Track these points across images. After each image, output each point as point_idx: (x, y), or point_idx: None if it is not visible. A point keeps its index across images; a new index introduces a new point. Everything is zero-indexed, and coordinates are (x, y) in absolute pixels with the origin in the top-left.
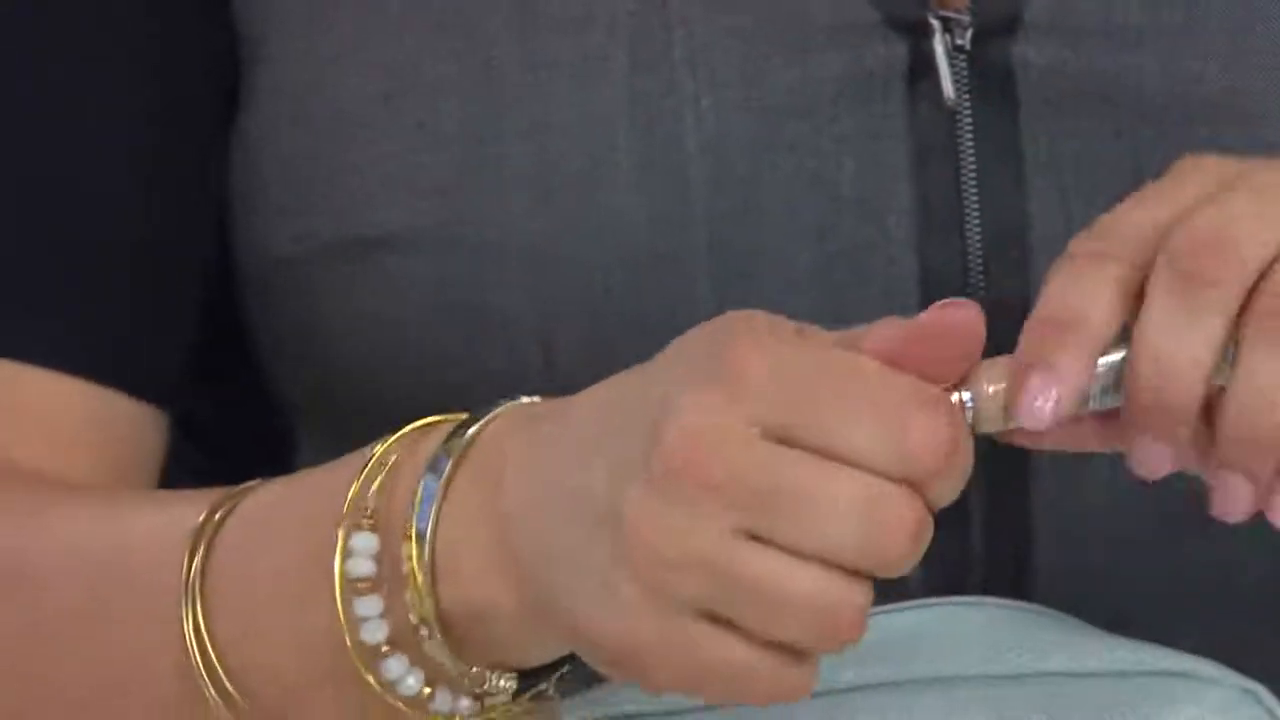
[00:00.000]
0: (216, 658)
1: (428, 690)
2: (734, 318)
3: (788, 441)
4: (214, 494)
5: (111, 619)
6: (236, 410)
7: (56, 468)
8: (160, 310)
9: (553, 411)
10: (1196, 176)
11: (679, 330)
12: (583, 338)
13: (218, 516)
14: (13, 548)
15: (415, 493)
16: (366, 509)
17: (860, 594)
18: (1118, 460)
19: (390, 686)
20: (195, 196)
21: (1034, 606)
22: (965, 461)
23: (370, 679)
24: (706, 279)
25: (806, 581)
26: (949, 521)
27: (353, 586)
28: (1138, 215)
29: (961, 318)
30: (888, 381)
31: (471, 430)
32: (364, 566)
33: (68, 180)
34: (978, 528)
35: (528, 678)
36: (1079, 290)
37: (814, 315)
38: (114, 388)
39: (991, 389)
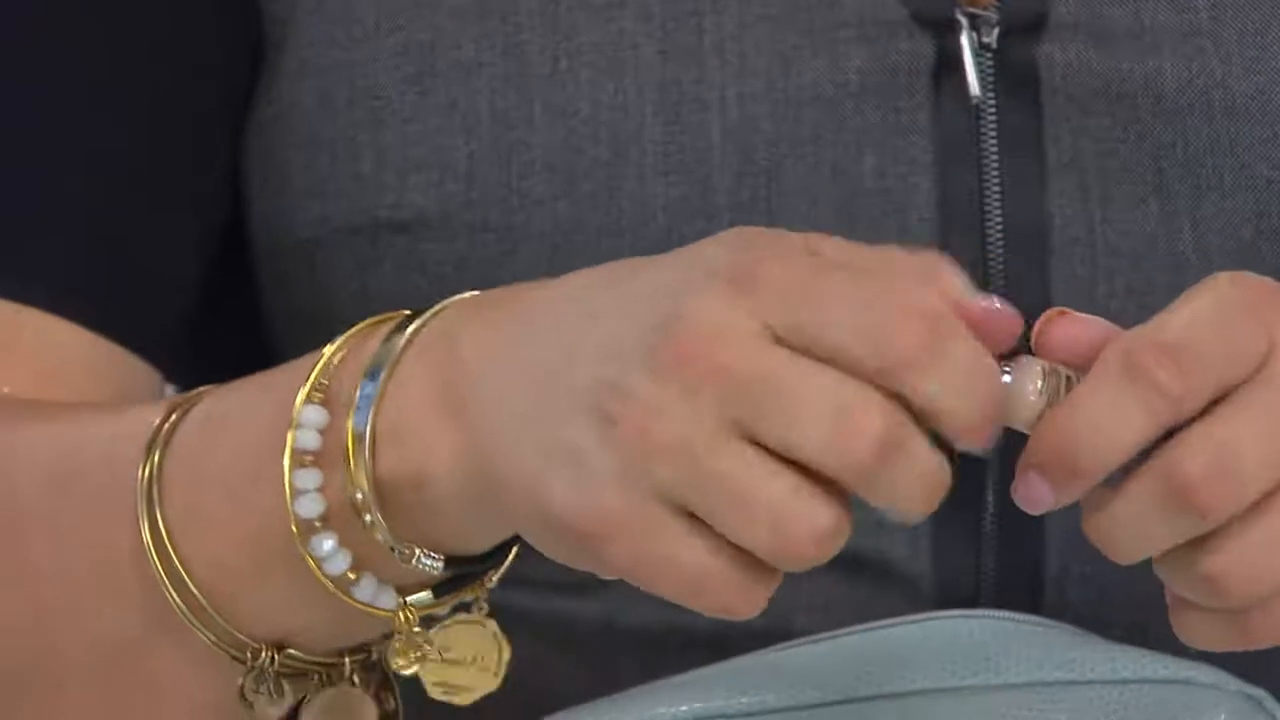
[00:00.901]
0: (172, 550)
1: (352, 575)
2: (752, 230)
3: (791, 346)
4: (171, 400)
5: (70, 519)
6: None
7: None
8: (161, 268)
9: (512, 295)
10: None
11: None
12: None
13: (174, 417)
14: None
15: (364, 365)
16: (318, 387)
17: (825, 514)
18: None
19: (319, 564)
20: (207, 165)
21: (1037, 618)
22: (952, 357)
23: (304, 553)
24: None
25: (775, 488)
26: (961, 531)
27: (297, 459)
28: (1208, 349)
29: (1006, 325)
30: (883, 283)
31: (424, 316)
32: (310, 439)
33: (74, 132)
34: (989, 539)
35: (456, 570)
36: (1120, 422)
37: None
38: (109, 337)
39: (1032, 398)
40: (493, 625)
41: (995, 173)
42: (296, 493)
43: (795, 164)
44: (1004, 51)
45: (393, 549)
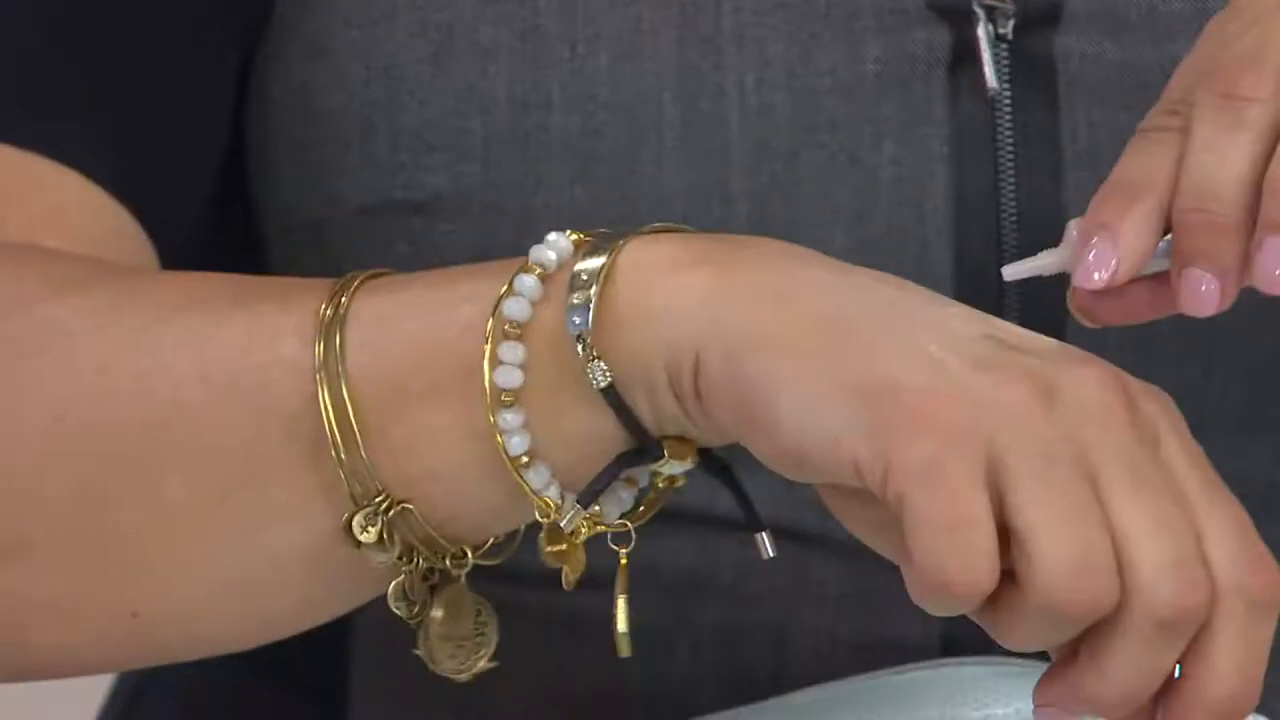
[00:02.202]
0: (341, 363)
1: (526, 459)
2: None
3: None
4: (324, 284)
5: (227, 413)
6: None
7: None
8: (173, 166)
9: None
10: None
11: None
12: None
13: (343, 301)
14: (138, 344)
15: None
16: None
17: (1110, 595)
18: None
19: (494, 367)
20: (215, 102)
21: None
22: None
23: (489, 407)
24: None
25: (1099, 536)
26: None
27: (503, 330)
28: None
29: None
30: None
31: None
32: (519, 309)
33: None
34: None
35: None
36: (1147, 158)
37: None
38: (137, 214)
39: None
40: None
41: (1011, 164)
42: (497, 362)
43: (812, 152)
44: (1020, 42)
45: (579, 340)
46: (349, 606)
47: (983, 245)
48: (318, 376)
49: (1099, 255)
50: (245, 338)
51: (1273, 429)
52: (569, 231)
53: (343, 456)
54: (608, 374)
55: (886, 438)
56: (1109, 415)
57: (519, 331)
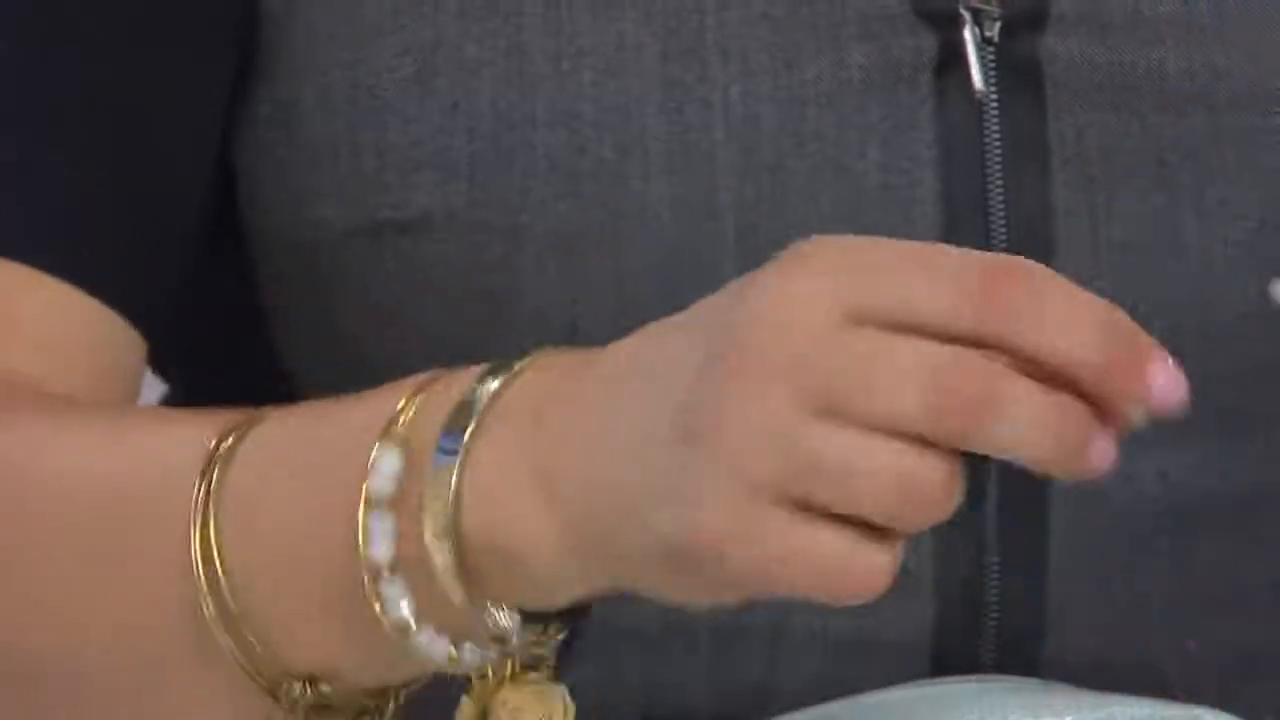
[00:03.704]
0: (222, 575)
1: (415, 625)
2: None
3: (862, 320)
4: (223, 417)
5: (111, 533)
6: (244, 389)
7: (49, 377)
8: (153, 242)
9: (584, 361)
10: None
11: None
12: (609, 325)
13: (230, 440)
14: (15, 465)
15: (444, 417)
16: (394, 432)
17: (938, 466)
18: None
19: (383, 607)
20: (197, 153)
21: (1027, 680)
22: (1054, 306)
23: (367, 585)
24: (733, 267)
25: (885, 453)
26: (963, 527)
27: (372, 503)
28: None
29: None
30: (960, 254)
31: (502, 376)
32: (385, 485)
33: (66, 110)
34: (991, 534)
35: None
36: None
37: None
38: (110, 304)
39: None
40: (562, 688)
41: (999, 168)
42: (369, 536)
43: (798, 162)
44: (1006, 46)
45: (463, 604)
46: None
47: (972, 249)
48: (206, 607)
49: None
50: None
51: (1251, 432)
52: (387, 437)
53: (240, 658)
54: (512, 625)
55: (718, 581)
56: (774, 372)
57: (390, 570)
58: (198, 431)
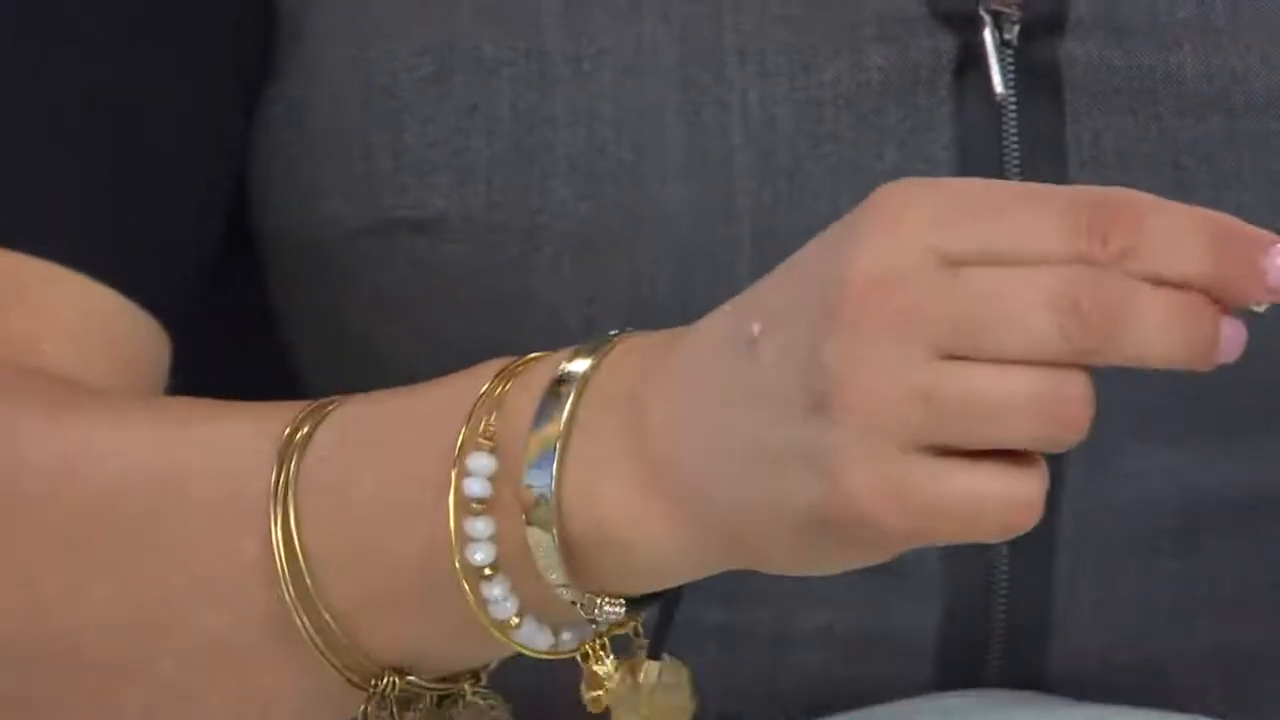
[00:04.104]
0: (305, 570)
1: (516, 619)
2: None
3: (968, 262)
4: (291, 406)
5: (179, 526)
6: (249, 389)
7: (82, 369)
8: (172, 239)
9: (673, 340)
10: None
11: None
12: (625, 327)
13: (306, 428)
14: (67, 460)
15: (533, 412)
16: (483, 430)
17: (1078, 382)
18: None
19: (484, 606)
20: (217, 151)
21: (1029, 693)
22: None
23: (468, 592)
24: (749, 270)
25: (1021, 380)
26: (966, 606)
27: (466, 506)
28: None
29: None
30: (1055, 191)
31: (590, 359)
32: (479, 487)
33: (90, 103)
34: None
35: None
36: None
37: None
38: (134, 299)
39: None
40: (686, 673)
41: (1017, 171)
42: (467, 540)
43: (815, 164)
44: (1025, 48)
45: (571, 601)
46: None
47: None
48: (289, 598)
49: None
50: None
51: (1258, 431)
52: (475, 434)
53: (329, 655)
54: (617, 612)
55: (871, 546)
56: (897, 318)
57: (491, 570)
58: (260, 422)
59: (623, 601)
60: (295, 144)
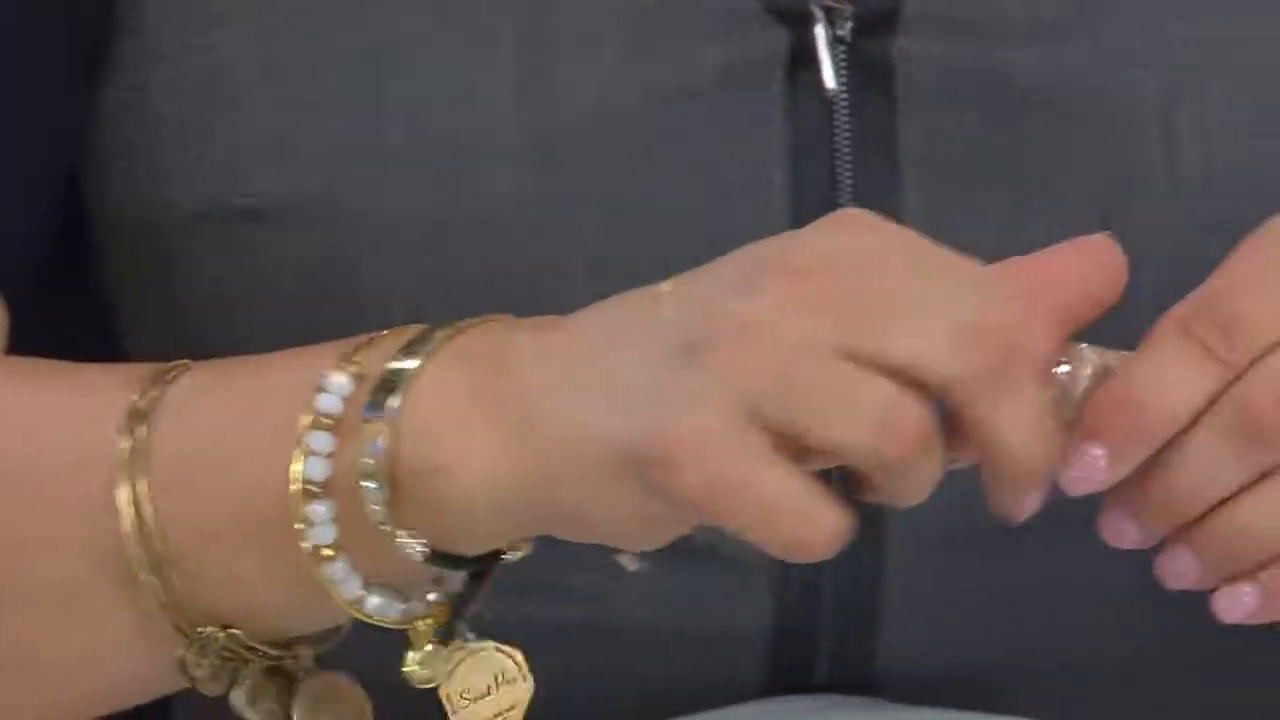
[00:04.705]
0: (151, 509)
1: (330, 551)
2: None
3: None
4: (140, 369)
5: (38, 466)
6: None
7: None
8: (8, 217)
9: (554, 321)
10: None
11: (557, 310)
12: (458, 315)
13: (156, 391)
14: None
15: (399, 344)
16: (345, 360)
17: (925, 413)
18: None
19: (305, 530)
20: (53, 136)
21: (860, 699)
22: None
23: (295, 511)
24: (584, 259)
25: (878, 387)
26: (795, 630)
27: (317, 421)
28: (1256, 311)
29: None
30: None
31: (464, 323)
32: (333, 403)
33: None
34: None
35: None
36: (1176, 384)
37: None
38: None
39: (1086, 383)
40: (489, 644)
41: (849, 167)
42: (309, 453)
43: (651, 156)
44: (858, 44)
45: (382, 524)
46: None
47: None
48: (124, 518)
49: (1091, 470)
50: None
51: None
52: (347, 362)
53: (160, 595)
54: (421, 549)
55: (664, 490)
56: (800, 298)
57: (319, 490)
58: (116, 372)
59: (426, 544)
60: (132, 130)
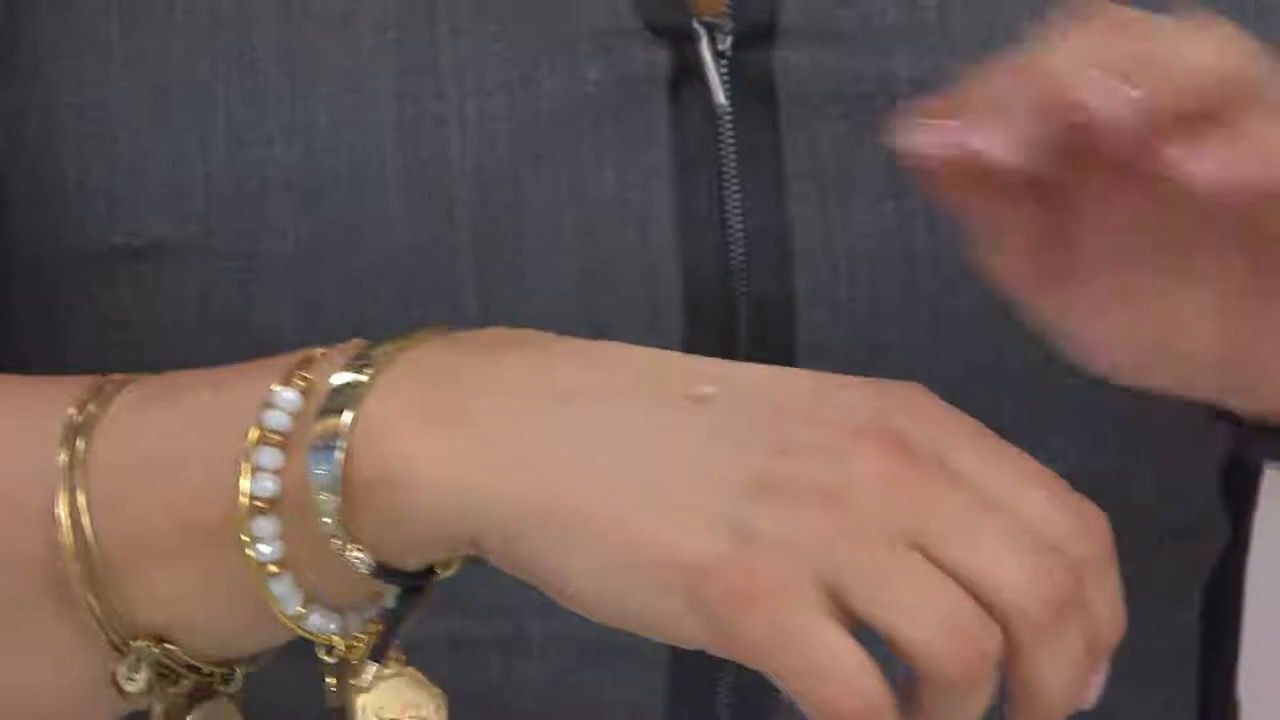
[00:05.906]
0: (88, 522)
1: (275, 569)
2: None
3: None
4: (79, 381)
5: None
6: None
7: None
8: None
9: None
10: None
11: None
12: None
13: (93, 406)
14: None
15: (347, 358)
16: (292, 376)
17: (994, 638)
18: None
19: (250, 544)
20: None
21: None
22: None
23: (242, 526)
24: (472, 287)
25: (952, 593)
26: None
27: (265, 437)
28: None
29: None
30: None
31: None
32: (281, 420)
33: None
34: None
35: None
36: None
37: (578, 322)
38: None
39: None
40: (414, 672)
41: (735, 181)
42: (256, 469)
43: (535, 180)
44: (739, 58)
45: (333, 536)
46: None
47: (711, 263)
48: (63, 531)
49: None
50: None
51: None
52: (295, 376)
53: (96, 609)
54: (368, 561)
55: (722, 621)
56: (896, 481)
57: (265, 506)
58: (55, 383)
59: (372, 559)
60: (11, 157)
